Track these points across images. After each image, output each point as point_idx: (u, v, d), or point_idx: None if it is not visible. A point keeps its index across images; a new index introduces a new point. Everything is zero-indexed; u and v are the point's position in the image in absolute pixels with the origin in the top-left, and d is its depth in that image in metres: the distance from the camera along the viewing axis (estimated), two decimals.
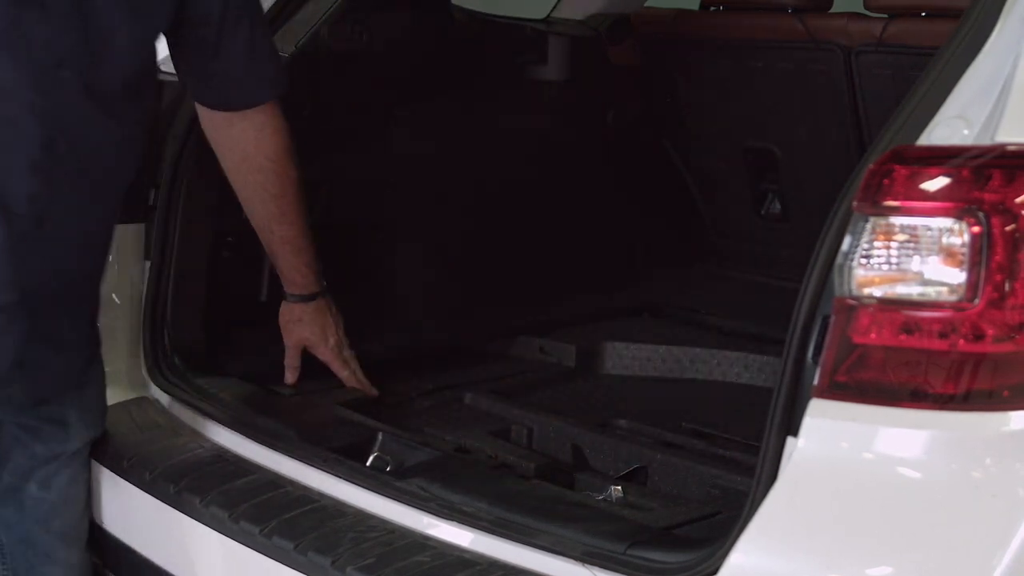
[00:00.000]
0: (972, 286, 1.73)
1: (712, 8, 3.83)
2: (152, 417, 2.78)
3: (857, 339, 1.80)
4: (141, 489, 2.55)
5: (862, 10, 3.51)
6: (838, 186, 1.90)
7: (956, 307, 1.75)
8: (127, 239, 2.87)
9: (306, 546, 2.23)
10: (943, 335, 1.76)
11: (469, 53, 3.50)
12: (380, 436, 2.58)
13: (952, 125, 1.81)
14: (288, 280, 2.84)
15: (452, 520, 2.23)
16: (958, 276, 1.74)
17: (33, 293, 2.28)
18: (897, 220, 1.77)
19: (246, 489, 2.43)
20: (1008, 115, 1.77)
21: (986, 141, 1.77)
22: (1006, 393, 1.75)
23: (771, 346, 3.10)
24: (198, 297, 2.93)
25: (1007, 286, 1.73)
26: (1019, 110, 1.77)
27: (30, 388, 2.41)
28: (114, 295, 2.88)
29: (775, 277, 3.73)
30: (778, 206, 3.85)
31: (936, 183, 1.76)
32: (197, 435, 2.69)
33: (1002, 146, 1.75)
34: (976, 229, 1.72)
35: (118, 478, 2.62)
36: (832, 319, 1.82)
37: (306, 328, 2.86)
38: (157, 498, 2.51)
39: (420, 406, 3.02)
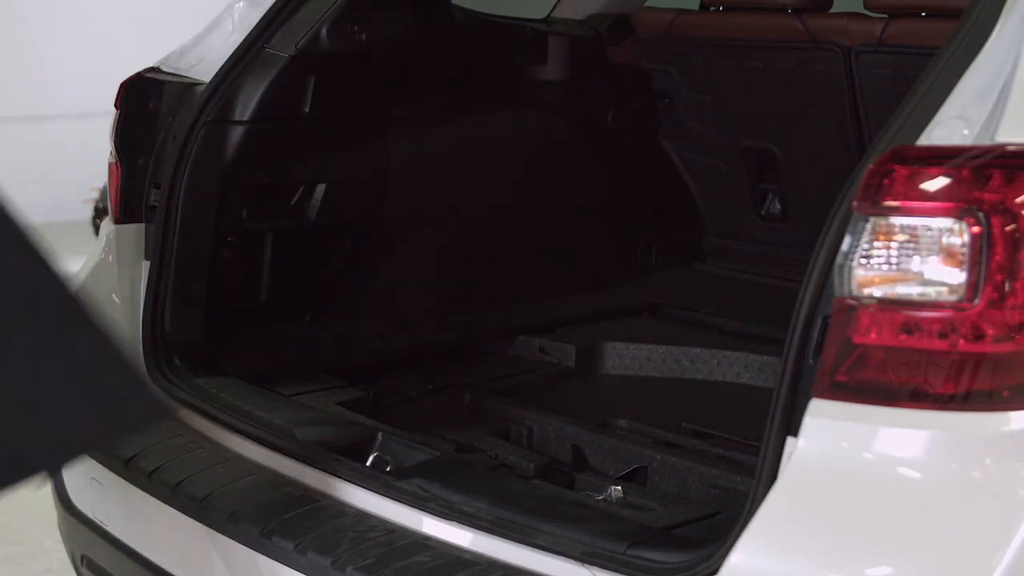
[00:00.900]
0: (972, 286, 1.73)
1: (712, 8, 3.83)
2: None
3: (857, 339, 1.80)
4: (141, 489, 2.55)
5: (862, 10, 3.51)
6: (838, 186, 1.90)
7: (956, 307, 1.75)
8: (127, 239, 2.87)
9: (306, 546, 2.23)
10: (943, 335, 1.76)
11: (469, 53, 3.50)
12: (380, 436, 2.58)
13: (952, 125, 1.81)
14: None
15: (452, 520, 2.23)
16: (958, 276, 1.75)
17: None
18: (897, 220, 1.77)
19: (246, 489, 2.43)
20: (1008, 115, 1.77)
21: (986, 141, 1.77)
22: (1006, 393, 1.75)
23: (771, 346, 3.10)
24: (198, 297, 2.92)
25: (1007, 286, 1.73)
26: (1019, 110, 1.77)
27: None
28: (114, 295, 2.88)
29: (775, 277, 3.73)
30: (778, 206, 3.84)
31: (936, 183, 1.76)
32: (197, 435, 2.69)
33: (1002, 146, 1.76)
34: (976, 229, 1.72)
35: (118, 478, 2.62)
36: (832, 319, 1.82)
37: None
38: (157, 498, 2.52)
39: (420, 406, 3.02)
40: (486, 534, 2.18)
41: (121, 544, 2.62)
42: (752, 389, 3.22)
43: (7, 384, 1.65)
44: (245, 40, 2.98)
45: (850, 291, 1.80)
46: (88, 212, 8.69)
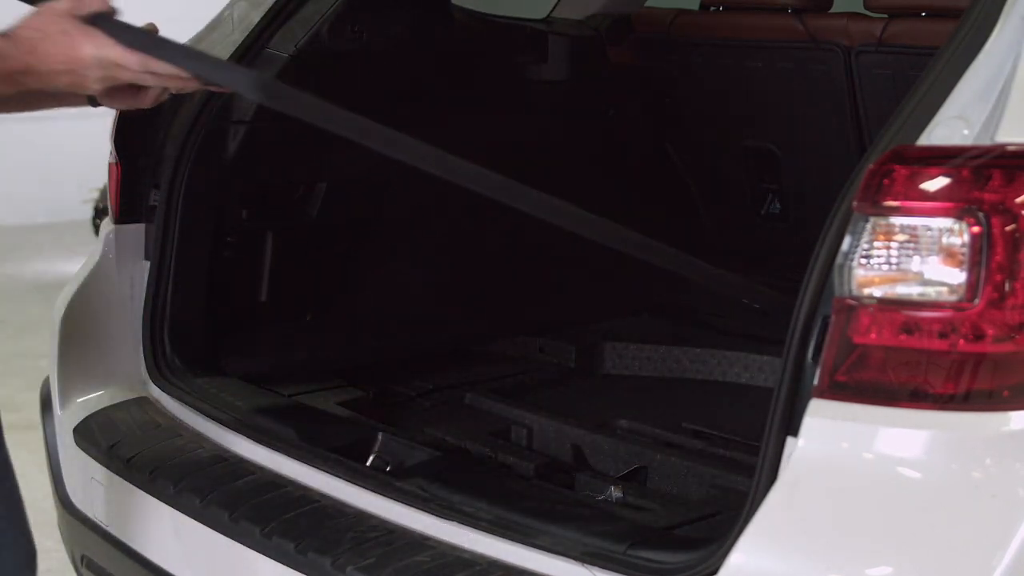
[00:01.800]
0: (972, 286, 1.73)
1: (712, 8, 3.83)
2: (152, 417, 2.78)
3: (857, 339, 1.80)
4: (141, 489, 2.55)
5: (862, 10, 3.51)
6: (838, 186, 1.89)
7: (956, 307, 1.75)
8: (127, 239, 2.87)
9: (306, 546, 2.23)
10: (943, 335, 1.76)
11: (469, 53, 3.50)
12: (380, 436, 2.58)
13: (952, 125, 1.81)
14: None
15: (452, 520, 2.23)
16: (958, 276, 1.74)
17: None
18: (897, 220, 1.77)
19: (246, 489, 2.44)
20: (1008, 115, 1.77)
21: (986, 141, 1.77)
22: (1006, 393, 1.75)
23: (771, 346, 3.10)
24: (198, 297, 2.93)
25: (1007, 286, 1.73)
26: (1019, 110, 1.77)
27: None
28: (114, 295, 2.88)
29: (775, 277, 3.73)
30: (778, 206, 3.85)
31: (936, 183, 1.76)
32: (197, 435, 2.69)
33: (1002, 146, 1.75)
34: (976, 229, 1.72)
35: (118, 478, 2.62)
36: (832, 319, 1.82)
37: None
38: (157, 498, 2.52)
39: (420, 406, 3.02)
40: (486, 534, 2.18)
41: (121, 544, 2.62)
42: (752, 389, 3.22)
43: None
44: (245, 40, 2.98)
45: (850, 291, 1.80)
46: (88, 212, 8.69)
